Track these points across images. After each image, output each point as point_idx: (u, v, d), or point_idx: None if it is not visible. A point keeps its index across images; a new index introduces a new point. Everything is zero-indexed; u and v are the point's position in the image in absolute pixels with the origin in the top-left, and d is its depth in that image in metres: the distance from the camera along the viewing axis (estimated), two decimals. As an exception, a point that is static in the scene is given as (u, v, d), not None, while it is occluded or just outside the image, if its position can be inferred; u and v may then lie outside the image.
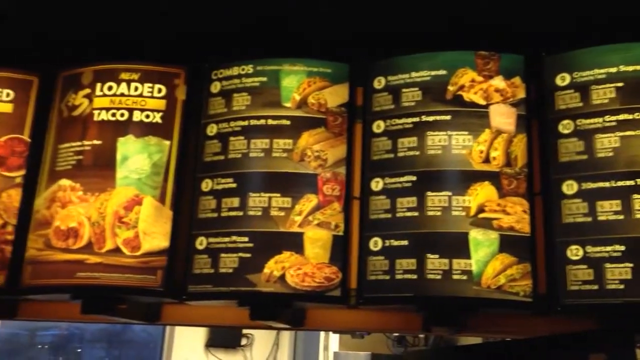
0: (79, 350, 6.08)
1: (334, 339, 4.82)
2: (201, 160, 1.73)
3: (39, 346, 5.71)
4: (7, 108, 1.82)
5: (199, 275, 1.64)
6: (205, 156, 1.73)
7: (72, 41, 1.85)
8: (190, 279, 1.65)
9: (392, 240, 1.56)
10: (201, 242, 1.66)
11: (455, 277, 1.49)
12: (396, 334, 4.17)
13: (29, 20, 1.84)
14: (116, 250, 1.66)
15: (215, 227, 1.65)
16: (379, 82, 1.68)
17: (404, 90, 1.64)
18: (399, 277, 1.53)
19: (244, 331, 5.41)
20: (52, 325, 5.74)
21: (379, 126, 1.66)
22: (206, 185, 1.70)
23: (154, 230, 1.68)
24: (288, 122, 1.68)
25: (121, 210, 1.68)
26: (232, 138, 1.70)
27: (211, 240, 1.65)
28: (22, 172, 1.79)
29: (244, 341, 5.44)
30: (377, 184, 1.62)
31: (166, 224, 1.69)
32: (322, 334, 4.94)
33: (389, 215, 1.58)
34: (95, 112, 1.76)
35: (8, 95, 1.82)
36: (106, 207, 1.68)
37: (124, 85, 1.77)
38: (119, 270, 1.64)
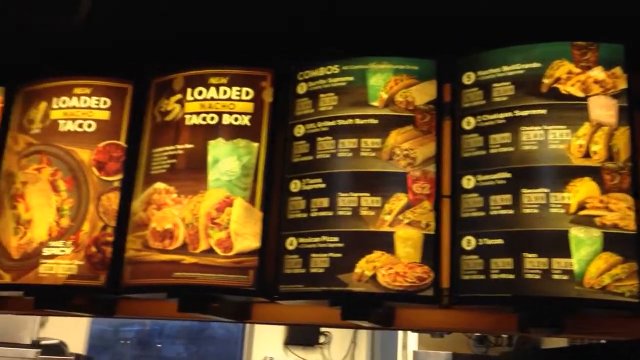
0: (159, 345, 6.30)
1: (412, 338, 4.76)
2: (289, 161, 1.73)
3: (122, 341, 5.95)
4: (105, 115, 1.89)
5: (290, 275, 1.65)
6: (293, 157, 1.73)
7: (162, 48, 1.91)
8: (282, 279, 1.66)
9: (486, 239, 1.51)
10: (291, 243, 1.66)
11: (555, 277, 1.42)
12: (478, 334, 4.07)
13: (122, 29, 1.91)
14: (210, 251, 1.69)
15: (305, 228, 1.65)
16: (468, 78, 1.63)
17: (495, 85, 1.58)
18: (494, 276, 1.48)
19: (322, 329, 5.44)
20: (135, 322, 5.96)
21: (469, 123, 1.61)
22: (295, 186, 1.70)
23: (245, 231, 1.70)
24: (376, 121, 1.66)
25: (213, 211, 1.71)
26: (319, 138, 1.70)
27: (301, 240, 1.65)
28: (120, 176, 1.85)
29: (322, 339, 5.47)
30: (468, 182, 1.57)
31: (256, 225, 1.70)
32: (401, 332, 4.88)
33: (482, 214, 1.53)
34: (187, 116, 1.80)
35: (105, 103, 1.89)
36: (199, 209, 1.72)
37: (213, 89, 1.80)
38: (213, 270, 1.67)
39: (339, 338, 5.51)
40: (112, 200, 1.84)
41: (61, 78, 1.93)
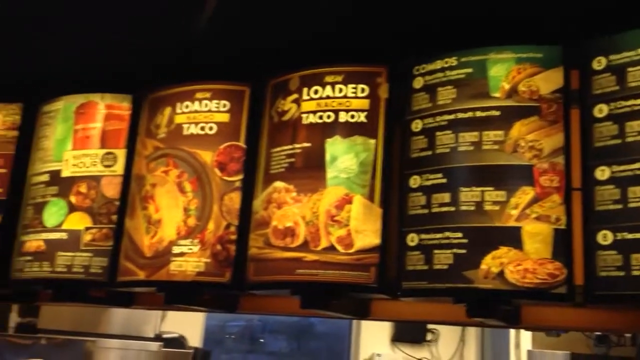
0: (262, 340, 6.45)
1: (526, 336, 4.58)
2: (407, 156, 1.71)
3: (227, 336, 6.14)
4: (225, 118, 1.95)
5: (413, 271, 1.63)
6: (411, 153, 1.71)
7: (278, 50, 1.95)
8: (404, 276, 1.64)
9: (625, 233, 1.42)
10: (412, 239, 1.64)
11: None
12: (598, 333, 3.85)
13: (239, 33, 1.97)
14: (331, 248, 1.70)
15: (426, 224, 1.63)
16: (599, 63, 1.54)
17: (629, 69, 1.48)
18: (636, 273, 1.38)
19: (429, 326, 5.36)
20: (241, 317, 6.13)
21: (601, 110, 1.51)
22: (414, 181, 1.68)
23: (365, 228, 1.70)
24: (498, 113, 1.60)
25: (333, 209, 1.72)
26: (438, 133, 1.66)
27: (423, 236, 1.63)
28: (240, 177, 1.91)
29: (429, 336, 5.40)
30: (602, 173, 1.48)
31: (376, 222, 1.70)
32: (513, 330, 4.72)
33: (620, 206, 1.43)
34: (304, 115, 1.82)
35: (225, 105, 1.96)
36: (319, 206, 1.73)
37: (328, 87, 1.81)
38: (335, 267, 1.69)
39: (446, 335, 5.41)
40: (234, 199, 1.90)
41: (183, 84, 2.02)
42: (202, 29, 1.94)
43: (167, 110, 2.03)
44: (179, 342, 4.02)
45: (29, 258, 2.08)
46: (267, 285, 1.80)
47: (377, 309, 1.88)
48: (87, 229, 2.04)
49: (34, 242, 2.09)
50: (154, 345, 3.85)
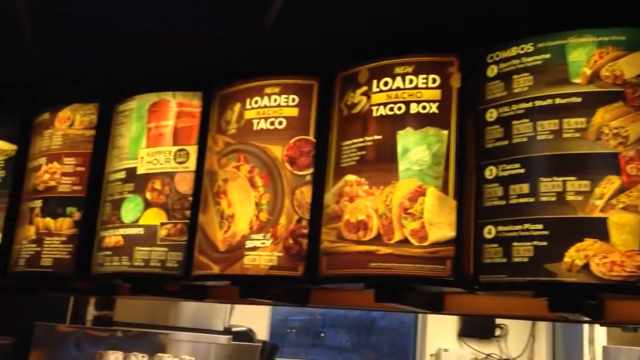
0: (322, 334, 6.48)
1: (600, 332, 4.42)
2: (482, 147, 1.67)
3: (288, 330, 6.20)
4: (294, 112, 1.96)
5: (490, 264, 1.59)
6: (486, 143, 1.66)
7: (346, 43, 1.94)
8: (481, 269, 1.60)
9: None
10: (489, 231, 1.60)
11: None
12: (680, 329, 3.67)
13: (306, 27, 1.98)
14: (405, 241, 1.68)
15: (504, 215, 1.58)
16: (690, 43, 1.46)
17: None
18: None
19: (498, 321, 5.26)
20: (300, 312, 6.17)
21: (692, 93, 1.43)
22: (490, 172, 1.64)
23: (439, 221, 1.67)
24: (579, 100, 1.54)
25: (406, 202, 1.70)
26: (515, 122, 1.61)
27: (500, 228, 1.58)
28: (311, 170, 1.91)
29: (497, 332, 5.28)
30: (695, 160, 1.40)
31: (451, 214, 1.67)
32: (586, 326, 4.56)
33: None
34: (374, 108, 1.81)
35: (294, 100, 1.97)
36: (391, 199, 1.72)
37: (399, 79, 1.79)
38: (409, 260, 1.67)
39: (516, 331, 5.28)
40: (305, 193, 1.91)
41: (252, 80, 2.04)
42: (270, 24, 1.96)
43: (237, 106, 2.06)
44: (247, 335, 4.09)
45: (108, 253, 2.16)
46: (339, 278, 1.80)
47: (451, 302, 1.85)
48: (163, 224, 2.10)
49: (112, 237, 2.16)
50: (224, 338, 3.94)
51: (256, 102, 2.02)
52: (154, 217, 2.11)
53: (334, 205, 1.83)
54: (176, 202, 2.11)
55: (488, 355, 5.21)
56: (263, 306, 4.94)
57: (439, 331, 5.21)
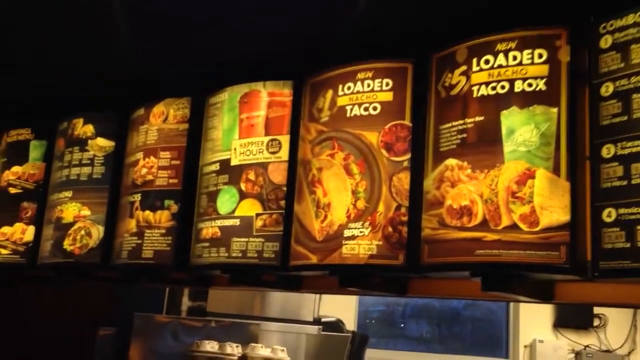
0: (402, 325, 6.39)
1: None
2: (597, 124, 1.56)
3: (367, 320, 6.16)
4: (388, 97, 1.91)
5: (611, 250, 1.48)
6: (601, 119, 1.55)
7: (439, 22, 1.87)
8: (600, 255, 1.50)
9: None
10: (609, 214, 1.49)
11: None
12: None
13: (397, 8, 1.91)
14: (513, 227, 1.60)
15: (625, 197, 1.47)
16: None
17: None
18: None
19: (596, 311, 5.01)
20: (379, 302, 6.10)
21: None
22: (607, 151, 1.52)
23: (550, 204, 1.57)
24: None
25: (513, 185, 1.61)
26: (635, 95, 1.49)
27: (622, 211, 1.47)
28: (408, 156, 1.86)
29: (596, 322, 5.03)
30: None
31: (563, 197, 1.57)
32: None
33: None
34: (474, 88, 1.73)
35: (387, 84, 1.91)
36: (497, 183, 1.64)
37: (501, 56, 1.69)
38: (519, 246, 1.58)
39: (616, 321, 5.01)
40: (403, 180, 1.85)
41: (344, 65, 2.00)
42: (360, 7, 1.91)
43: (329, 93, 2.02)
44: (337, 325, 4.09)
45: (206, 244, 2.19)
46: (443, 267, 1.73)
47: (562, 291, 1.75)
48: (258, 215, 2.10)
49: (209, 229, 2.19)
50: (314, 329, 3.95)
51: (349, 88, 1.98)
52: (250, 207, 2.12)
53: (435, 191, 1.76)
54: (270, 192, 2.11)
55: (586, 346, 4.97)
56: (350, 296, 4.93)
57: (533, 321, 5.02)
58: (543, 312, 4.99)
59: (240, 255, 2.10)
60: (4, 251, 2.80)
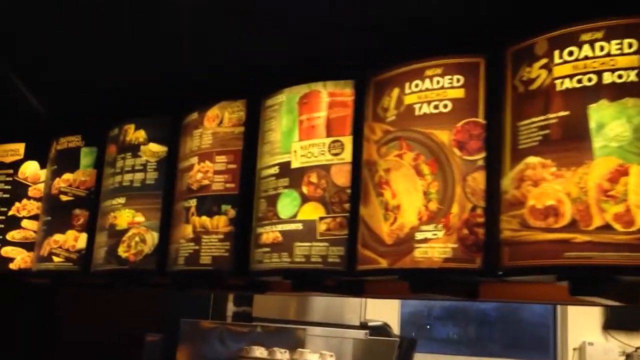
0: (428, 326, 6.26)
1: None
2: (697, 116, 1.45)
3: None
4: (459, 93, 1.81)
5: None
6: (701, 111, 1.44)
7: (516, 12, 1.77)
8: None
9: None
10: None
11: None
12: None
13: (463, 3, 1.83)
14: (606, 227, 1.48)
15: None
16: None
17: None
18: None
19: (647, 312, 4.82)
20: (405, 304, 5.96)
21: None
22: None
23: (647, 202, 1.46)
24: None
25: (605, 183, 1.51)
26: None
27: None
28: (483, 155, 1.76)
29: (648, 323, 4.85)
30: None
31: (661, 194, 1.46)
32: None
33: None
34: (557, 81, 1.62)
35: (458, 80, 1.82)
36: (587, 181, 1.53)
37: (586, 47, 1.59)
38: (612, 248, 1.47)
39: (667, 322, 4.82)
40: (478, 180, 1.75)
41: (410, 62, 1.91)
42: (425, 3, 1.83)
43: (395, 92, 1.94)
44: (384, 330, 4.00)
45: (267, 249, 2.12)
46: (527, 270, 1.63)
47: (653, 294, 1.64)
48: (322, 218, 2.02)
49: (270, 233, 2.12)
50: (361, 333, 3.86)
51: (416, 85, 1.88)
52: (312, 211, 2.04)
53: (514, 191, 1.66)
54: (334, 195, 2.03)
55: (637, 348, 4.80)
56: (393, 300, 4.83)
57: (582, 323, 4.86)
58: (592, 314, 4.83)
59: (303, 260, 2.02)
60: (56, 259, 2.77)
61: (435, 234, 1.76)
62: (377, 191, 1.92)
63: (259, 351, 3.35)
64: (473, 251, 1.72)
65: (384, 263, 1.85)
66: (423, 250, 1.77)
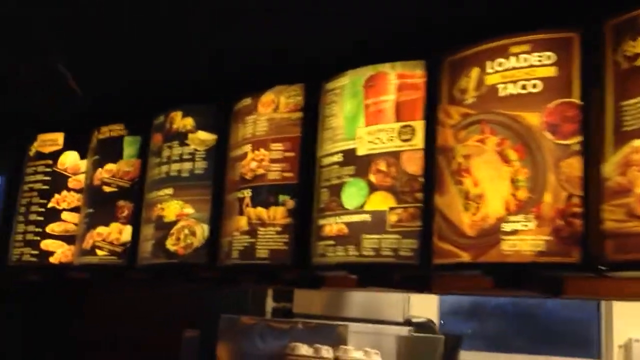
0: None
1: None
2: None
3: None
4: (551, 72, 1.65)
5: None
6: None
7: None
8: None
9: None
10: None
11: None
12: None
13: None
14: None
15: None
16: None
17: None
18: None
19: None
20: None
21: None
22: None
23: None
24: None
25: None
26: None
27: None
28: (578, 138, 1.59)
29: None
30: None
31: None
32: None
33: None
34: (670, 55, 1.46)
35: (549, 57, 1.65)
36: None
37: None
38: None
39: None
40: (574, 166, 1.59)
41: (492, 39, 1.75)
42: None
43: (474, 72, 1.77)
44: (428, 326, 3.83)
45: (331, 242, 1.97)
46: (635, 264, 1.47)
47: None
48: (392, 209, 1.87)
49: (334, 225, 1.97)
50: (405, 330, 3.70)
51: (500, 64, 1.72)
52: (381, 201, 1.89)
53: (618, 178, 1.50)
54: (405, 183, 1.87)
55: (686, 347, 4.59)
56: (431, 296, 4.65)
57: (629, 320, 4.65)
58: (638, 309, 4.64)
59: (373, 253, 1.87)
60: (100, 252, 2.64)
61: (525, 225, 1.60)
62: (456, 179, 1.76)
63: (304, 348, 3.21)
64: (569, 244, 1.56)
65: (465, 257, 1.69)
66: (512, 243, 1.61)
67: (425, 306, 4.41)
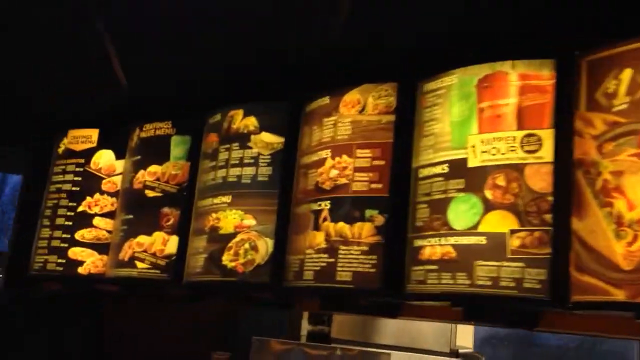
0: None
1: None
2: None
3: None
4: None
5: None
6: None
7: None
8: None
9: None
10: None
11: None
12: None
13: None
14: None
15: None
16: None
17: None
18: None
19: None
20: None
21: None
22: None
23: None
24: None
25: None
26: None
27: None
28: None
29: None
30: None
31: None
32: None
33: None
34: None
35: None
36: None
37: None
38: None
39: None
40: None
41: (649, 36, 1.48)
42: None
43: (625, 74, 1.48)
44: (475, 358, 3.53)
45: (432, 267, 1.66)
46: None
47: None
48: (513, 231, 1.57)
49: (437, 247, 1.67)
50: (450, 361, 3.40)
51: (662, 65, 1.45)
52: (500, 222, 1.58)
53: None
54: (530, 202, 1.57)
55: None
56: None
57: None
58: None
59: (489, 283, 1.56)
60: (140, 264, 2.32)
61: (702, 259, 1.31)
62: (602, 200, 1.46)
63: (350, 378, 2.89)
64: None
65: (619, 295, 1.39)
66: (685, 281, 1.32)
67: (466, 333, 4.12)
